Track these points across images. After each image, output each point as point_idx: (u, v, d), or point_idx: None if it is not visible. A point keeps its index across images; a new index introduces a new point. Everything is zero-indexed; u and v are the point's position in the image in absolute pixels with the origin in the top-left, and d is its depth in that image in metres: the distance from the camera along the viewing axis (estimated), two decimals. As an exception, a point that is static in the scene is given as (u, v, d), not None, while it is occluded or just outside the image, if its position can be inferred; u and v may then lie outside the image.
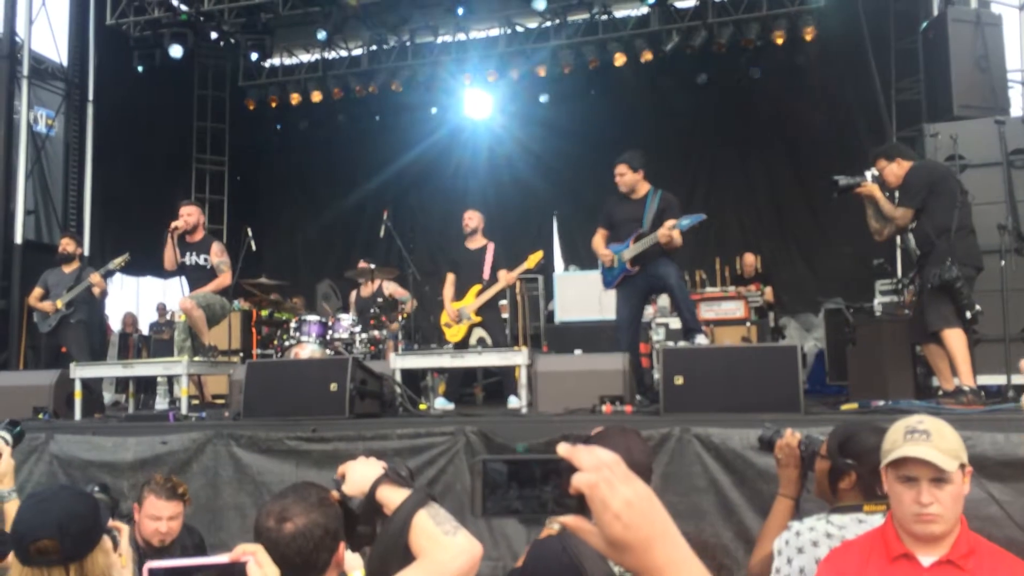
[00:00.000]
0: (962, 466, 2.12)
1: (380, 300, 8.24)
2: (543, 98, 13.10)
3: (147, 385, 8.86)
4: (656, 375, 5.43)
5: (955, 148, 6.30)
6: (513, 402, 6.39)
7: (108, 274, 8.03)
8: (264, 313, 10.32)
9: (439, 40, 13.18)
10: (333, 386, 5.26)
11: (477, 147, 13.78)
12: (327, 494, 1.86)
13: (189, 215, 7.21)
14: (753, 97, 12.11)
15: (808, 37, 11.16)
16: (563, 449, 1.00)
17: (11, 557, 2.15)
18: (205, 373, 7.50)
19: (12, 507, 2.71)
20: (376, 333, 7.66)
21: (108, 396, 9.29)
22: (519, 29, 12.92)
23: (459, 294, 7.21)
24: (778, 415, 4.47)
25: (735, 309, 9.13)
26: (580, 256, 12.23)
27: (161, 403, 7.84)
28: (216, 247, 7.23)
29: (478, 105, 13.79)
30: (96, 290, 7.76)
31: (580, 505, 0.98)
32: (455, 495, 4.62)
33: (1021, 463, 3.75)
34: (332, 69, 13.63)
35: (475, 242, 7.30)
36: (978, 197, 5.50)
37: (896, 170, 5.28)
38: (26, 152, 10.79)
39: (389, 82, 13.15)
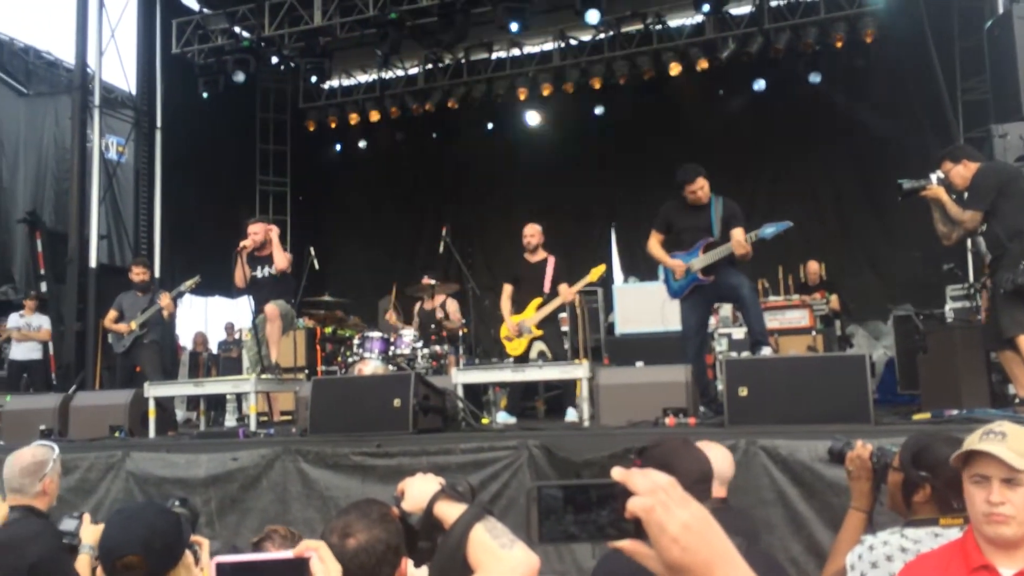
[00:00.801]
0: None
1: (441, 316, 8.32)
2: (598, 110, 13.07)
3: (217, 402, 9.08)
4: (720, 386, 5.37)
5: (1025, 148, 6.12)
6: (571, 415, 6.37)
7: (179, 295, 8.26)
8: (328, 330, 10.49)
9: (493, 56, 13.31)
10: (396, 402, 5.32)
11: (533, 161, 13.82)
12: (389, 510, 1.89)
13: (255, 232, 7.41)
14: (813, 102, 11.92)
15: (868, 39, 10.94)
16: (618, 473, 1.00)
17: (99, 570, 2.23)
18: (272, 390, 7.66)
19: None
20: (438, 348, 7.73)
21: (180, 413, 9.54)
22: (573, 42, 12.96)
23: (519, 307, 7.21)
24: (847, 426, 4.38)
25: (800, 318, 8.97)
26: (639, 268, 12.16)
27: (230, 420, 8.03)
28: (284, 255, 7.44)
29: (534, 119, 13.85)
30: (165, 313, 7.99)
31: (637, 529, 0.98)
32: (519, 509, 4.62)
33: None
34: (389, 88, 13.87)
35: (536, 256, 7.29)
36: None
37: (963, 172, 5.15)
38: (99, 179, 11.19)
39: (445, 100, 13.30)
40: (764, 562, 2.43)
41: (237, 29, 11.92)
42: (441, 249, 8.13)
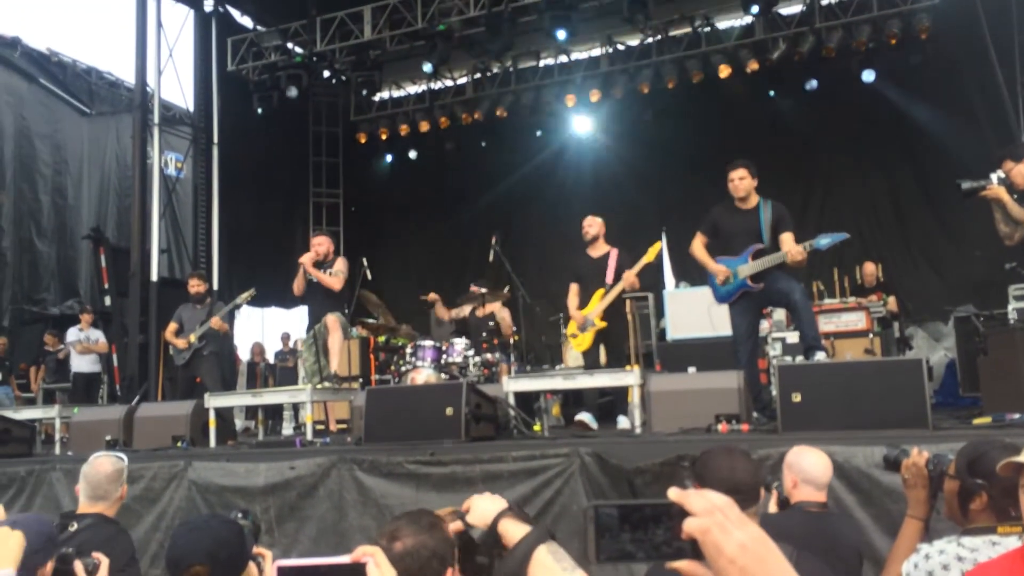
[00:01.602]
0: None
1: (492, 324, 8.36)
2: (647, 115, 13.01)
3: (274, 412, 9.26)
4: (773, 392, 5.30)
5: (1089, 144, 5.94)
6: (623, 422, 6.34)
7: (235, 308, 8.45)
8: (381, 339, 10.62)
9: (541, 64, 13.35)
10: (449, 410, 5.37)
11: (583, 167, 13.81)
12: (440, 521, 1.94)
13: (319, 244, 7.58)
14: (867, 101, 11.70)
15: (923, 35, 10.70)
16: (674, 494, 1.01)
17: None
18: (328, 400, 7.78)
19: None
20: (489, 356, 7.77)
21: (239, 423, 9.76)
22: (620, 47, 12.93)
23: (583, 303, 7.01)
24: (904, 431, 4.31)
25: (856, 321, 8.80)
26: (691, 273, 12.05)
27: (287, 429, 8.19)
28: (340, 262, 7.56)
29: (582, 126, 13.85)
30: (218, 330, 8.14)
31: (694, 549, 0.99)
32: (571, 516, 4.63)
33: None
34: (438, 99, 14.00)
35: (597, 249, 7.09)
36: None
37: (1024, 171, 5.02)
38: (159, 195, 11.51)
39: (494, 108, 13.37)
40: (812, 569, 2.40)
41: (290, 45, 12.17)
42: (491, 257, 8.17)
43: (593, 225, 7.12)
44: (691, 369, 7.07)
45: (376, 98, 14.41)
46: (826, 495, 3.24)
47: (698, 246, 6.20)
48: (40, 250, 13.86)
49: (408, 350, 7.53)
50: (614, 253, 6.99)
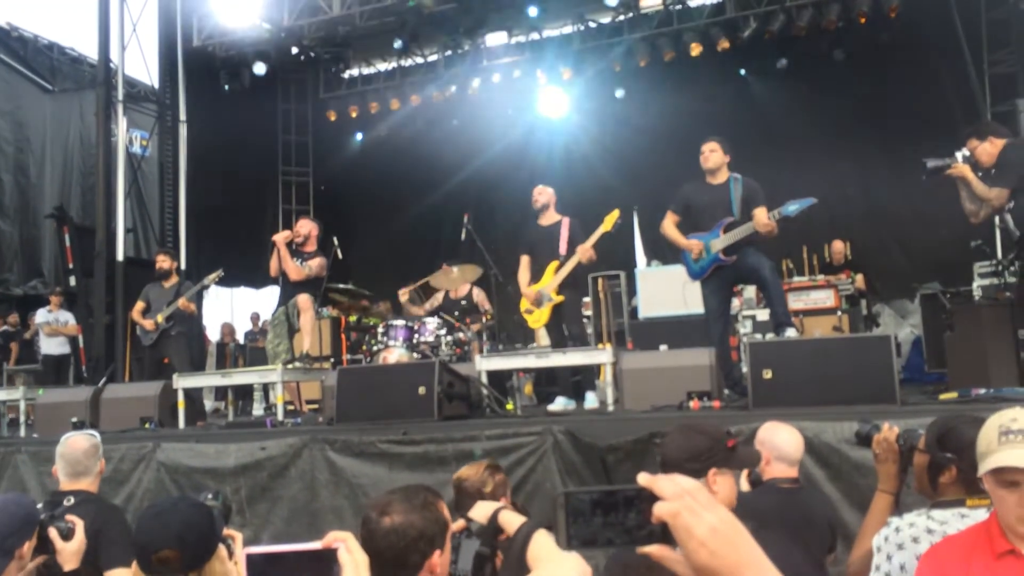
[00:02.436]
0: None
1: (464, 303, 8.34)
2: (619, 93, 12.98)
3: (244, 392, 9.18)
4: (744, 369, 5.34)
5: (1054, 122, 6.01)
6: (590, 400, 6.33)
7: (203, 288, 8.34)
8: (352, 319, 10.55)
9: (513, 41, 13.25)
10: (421, 389, 5.36)
11: (554, 145, 13.76)
12: (436, 501, 1.96)
13: (300, 227, 7.59)
14: (837, 79, 11.75)
15: (892, 14, 10.76)
16: (643, 479, 1.01)
17: (134, 566, 2.28)
18: (299, 380, 7.73)
19: None
20: (461, 335, 7.74)
21: (208, 404, 9.66)
22: (592, 25, 12.87)
23: (536, 276, 6.89)
24: (873, 407, 4.36)
25: (825, 298, 8.90)
26: (663, 251, 12.09)
27: (258, 409, 8.13)
28: (316, 261, 7.52)
29: (554, 104, 13.79)
30: (186, 311, 8.04)
31: (665, 533, 0.99)
32: (544, 494, 4.65)
33: None
34: (409, 76, 13.86)
35: (548, 218, 6.95)
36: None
37: (989, 149, 5.07)
38: (124, 173, 11.30)
39: (465, 86, 13.28)
40: (775, 546, 2.41)
41: (257, 20, 11.96)
42: (463, 236, 8.13)
43: (543, 193, 6.98)
44: (663, 347, 7.10)
45: (346, 75, 14.24)
46: (798, 471, 3.27)
47: (669, 224, 6.19)
48: (3, 229, 13.60)
49: (380, 330, 7.49)
50: (566, 222, 6.84)
